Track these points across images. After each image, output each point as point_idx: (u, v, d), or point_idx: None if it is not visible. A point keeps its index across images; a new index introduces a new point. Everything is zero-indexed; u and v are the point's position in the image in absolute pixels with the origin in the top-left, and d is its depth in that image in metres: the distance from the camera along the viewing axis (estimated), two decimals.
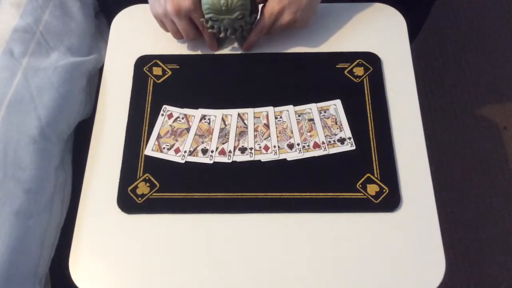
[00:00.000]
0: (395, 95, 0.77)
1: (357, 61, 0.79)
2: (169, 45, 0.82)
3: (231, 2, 0.70)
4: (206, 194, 0.69)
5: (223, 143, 0.73)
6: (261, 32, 0.77)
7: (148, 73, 0.79)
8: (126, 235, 0.67)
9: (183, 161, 0.72)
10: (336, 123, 0.74)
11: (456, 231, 1.31)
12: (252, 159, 0.71)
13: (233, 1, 0.70)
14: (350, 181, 0.70)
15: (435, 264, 0.65)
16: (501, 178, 1.38)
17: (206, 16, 0.73)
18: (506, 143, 1.43)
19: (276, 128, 0.74)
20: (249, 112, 0.75)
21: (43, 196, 0.72)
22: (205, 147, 0.72)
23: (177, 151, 0.72)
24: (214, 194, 0.69)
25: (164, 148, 0.73)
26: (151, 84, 0.78)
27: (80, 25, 0.85)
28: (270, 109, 0.75)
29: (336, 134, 0.73)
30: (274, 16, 0.75)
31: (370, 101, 0.76)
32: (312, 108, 0.75)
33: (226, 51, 0.81)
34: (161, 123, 0.75)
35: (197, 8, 0.73)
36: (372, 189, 0.69)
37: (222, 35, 0.77)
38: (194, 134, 0.74)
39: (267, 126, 0.74)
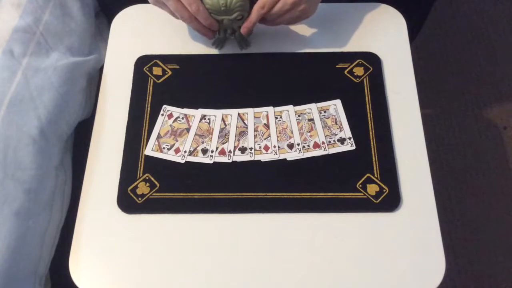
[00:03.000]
0: (395, 95, 0.77)
1: (357, 61, 0.79)
2: (169, 45, 0.82)
3: (230, 3, 0.70)
4: (206, 194, 0.69)
5: (223, 143, 0.73)
6: (262, 9, 0.73)
7: (148, 73, 0.79)
8: (126, 235, 0.67)
9: (183, 161, 0.72)
10: (336, 123, 0.74)
11: (456, 231, 1.31)
12: (252, 159, 0.71)
13: (232, 2, 0.70)
14: (350, 181, 0.70)
15: (435, 264, 0.65)
16: (501, 178, 1.38)
17: None
18: (506, 143, 1.43)
19: (276, 128, 0.74)
20: (249, 112, 0.75)
21: (43, 196, 0.72)
22: (205, 147, 0.72)
23: (177, 151, 0.72)
24: (214, 194, 0.69)
25: (164, 148, 0.73)
26: (151, 84, 0.78)
27: (80, 25, 0.85)
28: (270, 109, 0.75)
29: (336, 134, 0.73)
30: None
31: (370, 101, 0.76)
32: (312, 108, 0.75)
33: (226, 51, 0.81)
34: (161, 123, 0.75)
35: None
36: (372, 189, 0.69)
37: (221, 35, 0.77)
38: (194, 134, 0.74)
39: (267, 126, 0.74)
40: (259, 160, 0.71)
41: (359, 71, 0.78)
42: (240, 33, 0.77)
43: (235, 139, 0.73)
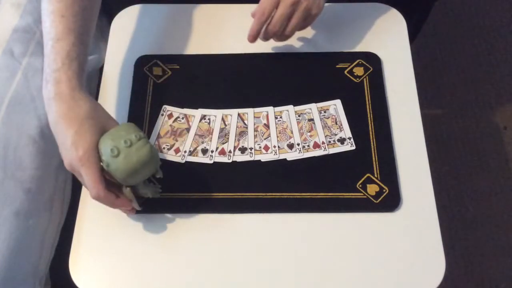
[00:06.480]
0: (395, 95, 0.77)
1: (357, 61, 0.79)
2: (169, 45, 0.82)
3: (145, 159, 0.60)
4: (206, 194, 0.69)
5: (223, 143, 0.73)
6: (263, 16, 0.70)
7: (148, 73, 0.79)
8: (126, 235, 0.67)
9: (183, 161, 0.72)
10: (336, 123, 0.74)
11: (456, 231, 1.31)
12: (252, 159, 0.71)
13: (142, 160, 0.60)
14: (350, 181, 0.69)
15: (435, 264, 0.65)
16: (501, 178, 1.38)
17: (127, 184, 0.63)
18: (506, 143, 1.43)
19: (276, 128, 0.74)
20: (249, 112, 0.75)
21: (43, 196, 0.72)
22: (205, 147, 0.72)
23: (177, 151, 0.72)
24: (214, 194, 0.69)
25: (164, 148, 0.73)
26: (151, 84, 0.78)
27: None
28: (270, 109, 0.75)
29: (336, 134, 0.73)
30: None
31: (370, 101, 0.76)
32: (312, 108, 0.75)
33: (226, 51, 0.81)
34: (161, 123, 0.75)
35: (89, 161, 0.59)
36: (372, 189, 0.69)
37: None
38: (194, 134, 0.74)
39: (267, 126, 0.74)
40: (259, 160, 0.71)
41: (359, 71, 0.78)
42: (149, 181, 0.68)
43: (235, 139, 0.73)
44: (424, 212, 0.68)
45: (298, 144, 0.72)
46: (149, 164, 0.61)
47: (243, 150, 0.72)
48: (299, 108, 0.75)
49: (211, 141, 0.73)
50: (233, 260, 0.65)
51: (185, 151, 0.72)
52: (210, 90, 0.78)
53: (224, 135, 0.73)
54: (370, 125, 0.74)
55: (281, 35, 0.74)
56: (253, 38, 0.74)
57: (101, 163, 0.60)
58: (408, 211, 0.68)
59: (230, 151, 0.72)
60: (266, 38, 0.74)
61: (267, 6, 0.70)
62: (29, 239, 0.70)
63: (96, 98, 0.79)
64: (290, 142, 0.73)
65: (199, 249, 0.66)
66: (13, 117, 0.72)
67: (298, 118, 0.75)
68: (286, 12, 0.70)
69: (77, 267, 0.65)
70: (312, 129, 0.74)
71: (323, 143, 0.72)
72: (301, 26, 0.74)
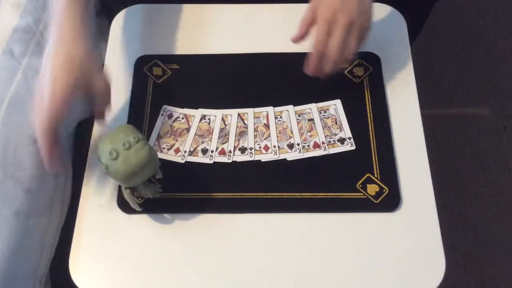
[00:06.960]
0: (395, 95, 0.77)
1: (357, 61, 0.79)
2: (169, 45, 0.82)
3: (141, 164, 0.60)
4: (206, 194, 0.69)
5: (223, 143, 0.73)
6: (319, 44, 0.67)
7: (148, 73, 0.79)
8: (126, 235, 0.67)
9: (183, 161, 0.72)
10: (336, 123, 0.74)
11: (456, 231, 1.31)
12: (252, 159, 0.71)
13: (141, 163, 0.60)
14: (350, 181, 0.69)
15: (435, 264, 0.65)
16: (501, 178, 1.38)
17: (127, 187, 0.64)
18: (506, 143, 1.43)
19: (276, 128, 0.74)
20: (249, 112, 0.75)
21: (43, 196, 0.72)
22: (205, 147, 0.72)
23: (177, 151, 0.72)
24: (214, 194, 0.69)
25: (164, 148, 0.73)
26: (151, 84, 0.78)
27: None
28: (270, 109, 0.75)
29: (336, 134, 0.73)
30: (328, 22, 0.66)
31: (370, 101, 0.76)
32: (312, 108, 0.75)
33: (226, 51, 0.81)
34: (161, 123, 0.75)
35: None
36: (372, 189, 0.69)
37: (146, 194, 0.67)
38: (194, 134, 0.74)
39: (267, 126, 0.74)
40: (259, 160, 0.71)
41: (359, 71, 0.78)
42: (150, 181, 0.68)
43: (235, 139, 0.73)
44: (424, 212, 0.68)
45: (298, 144, 0.72)
46: (148, 166, 0.61)
47: (243, 150, 0.72)
48: (299, 108, 0.75)
49: (211, 141, 0.73)
50: (233, 260, 0.65)
51: (185, 151, 0.72)
52: (210, 90, 0.78)
53: (224, 135, 0.73)
54: (370, 125, 0.74)
55: (340, 60, 0.69)
56: (313, 72, 0.71)
57: (101, 166, 0.60)
58: (408, 211, 0.68)
59: (230, 151, 0.72)
60: (324, 70, 0.70)
61: (321, 34, 0.66)
62: (29, 239, 0.70)
63: None
64: (290, 142, 0.73)
65: (199, 249, 0.66)
66: (13, 117, 0.72)
67: (298, 118, 0.75)
68: (343, 35, 0.66)
69: (77, 267, 0.65)
70: (312, 129, 0.74)
71: (323, 143, 0.72)
72: (358, 44, 0.69)
